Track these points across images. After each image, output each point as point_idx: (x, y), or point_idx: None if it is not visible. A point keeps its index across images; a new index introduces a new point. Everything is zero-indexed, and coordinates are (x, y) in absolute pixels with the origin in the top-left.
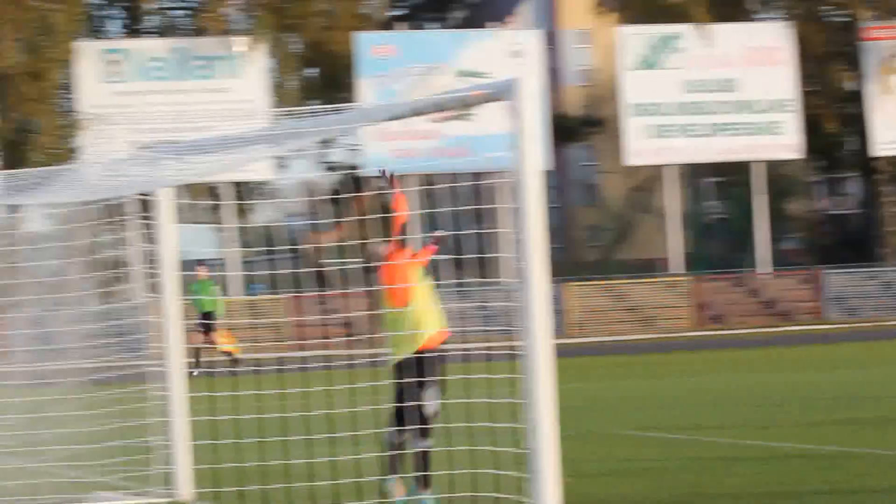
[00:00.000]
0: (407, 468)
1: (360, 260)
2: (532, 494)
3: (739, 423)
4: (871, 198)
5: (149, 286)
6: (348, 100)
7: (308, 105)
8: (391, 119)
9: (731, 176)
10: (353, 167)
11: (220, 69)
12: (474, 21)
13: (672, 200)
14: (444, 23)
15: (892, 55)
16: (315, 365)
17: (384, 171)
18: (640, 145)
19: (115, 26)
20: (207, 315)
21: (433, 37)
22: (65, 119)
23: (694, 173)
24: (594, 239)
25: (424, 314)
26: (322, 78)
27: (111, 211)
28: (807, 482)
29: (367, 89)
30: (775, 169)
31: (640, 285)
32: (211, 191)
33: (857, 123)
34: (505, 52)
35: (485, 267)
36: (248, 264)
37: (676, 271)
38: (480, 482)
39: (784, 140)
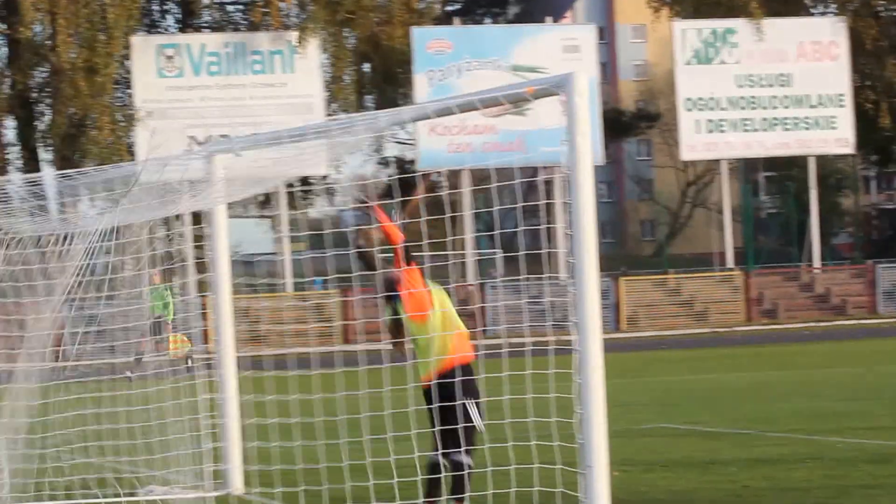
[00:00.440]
0: (447, 490)
1: (378, 289)
2: (583, 488)
3: (788, 417)
4: None
5: (200, 284)
6: (404, 95)
7: (363, 99)
8: (445, 115)
9: (785, 171)
10: (409, 162)
11: (275, 64)
12: (530, 16)
13: (726, 195)
14: (500, 18)
15: None
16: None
17: (366, 201)
18: (695, 140)
19: (170, 21)
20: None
21: (488, 32)
22: (120, 114)
23: (748, 168)
24: (648, 233)
25: (448, 331)
26: (377, 73)
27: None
28: (851, 478)
29: (423, 84)
30: (829, 163)
31: (694, 279)
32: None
33: None
34: (560, 47)
35: (538, 262)
36: (301, 261)
37: (729, 266)
38: (528, 476)
39: (837, 135)
